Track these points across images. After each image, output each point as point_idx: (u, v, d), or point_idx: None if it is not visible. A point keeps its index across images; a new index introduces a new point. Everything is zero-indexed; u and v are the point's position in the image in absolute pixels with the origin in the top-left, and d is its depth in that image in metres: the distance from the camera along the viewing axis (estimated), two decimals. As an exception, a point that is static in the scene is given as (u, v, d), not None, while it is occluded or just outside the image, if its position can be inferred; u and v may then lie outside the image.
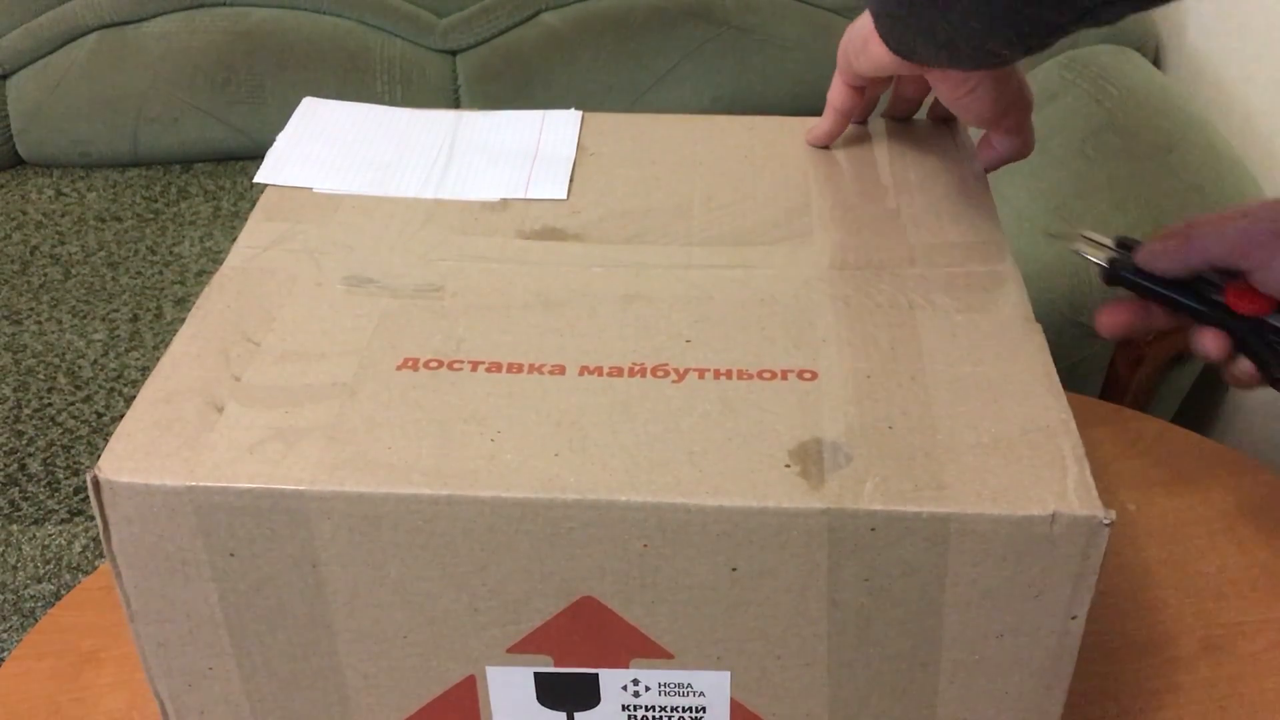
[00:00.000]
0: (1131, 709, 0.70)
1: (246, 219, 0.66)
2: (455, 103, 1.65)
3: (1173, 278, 0.62)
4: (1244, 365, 0.61)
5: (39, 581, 1.13)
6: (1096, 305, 0.65)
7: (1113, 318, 0.64)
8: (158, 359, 0.56)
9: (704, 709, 0.55)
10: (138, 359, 1.37)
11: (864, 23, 0.65)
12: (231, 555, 0.51)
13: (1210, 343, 0.61)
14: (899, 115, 0.74)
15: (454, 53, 1.66)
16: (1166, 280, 0.62)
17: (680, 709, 0.55)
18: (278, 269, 0.62)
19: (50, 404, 1.31)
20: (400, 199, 0.67)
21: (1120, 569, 0.77)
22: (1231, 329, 0.60)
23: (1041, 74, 1.31)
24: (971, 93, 0.63)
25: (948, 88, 0.64)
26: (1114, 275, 0.64)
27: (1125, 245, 0.64)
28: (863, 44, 0.65)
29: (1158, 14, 1.37)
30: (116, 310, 1.44)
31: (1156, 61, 1.35)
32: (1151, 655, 0.72)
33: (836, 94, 0.70)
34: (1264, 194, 1.15)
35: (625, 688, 0.55)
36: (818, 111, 0.72)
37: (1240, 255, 0.59)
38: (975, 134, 0.70)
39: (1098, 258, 0.65)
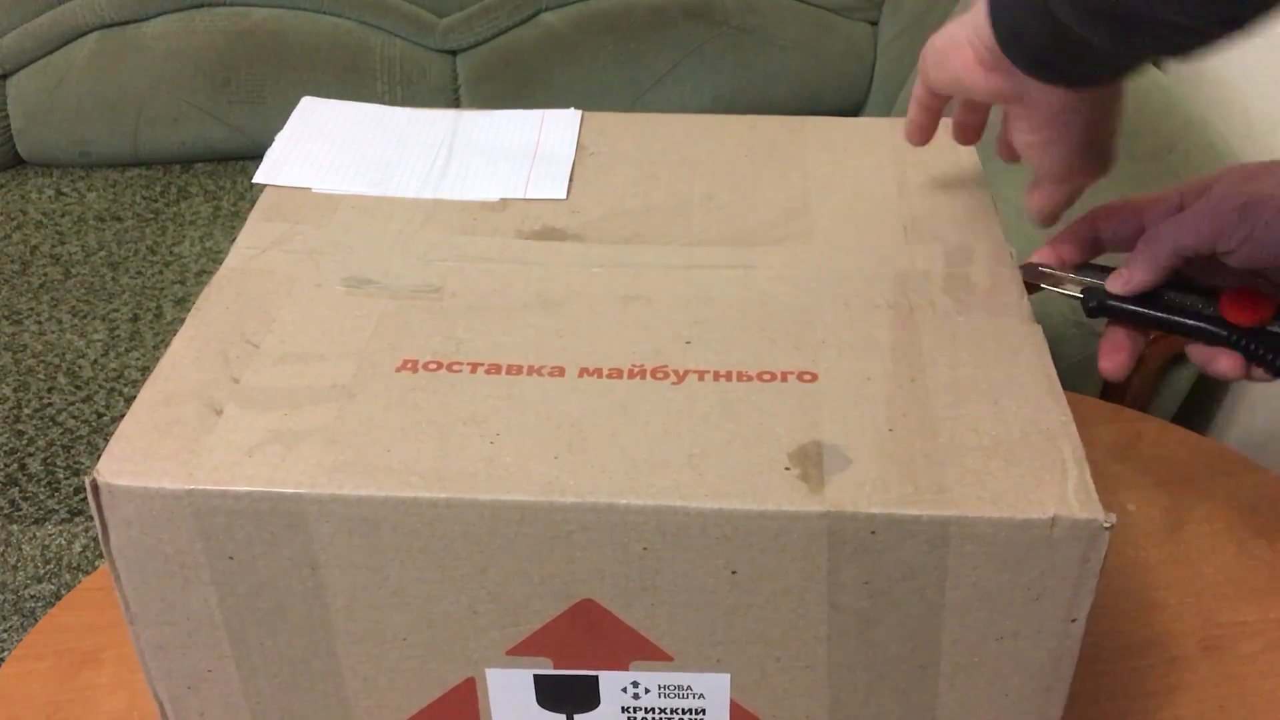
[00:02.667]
0: (1131, 709, 0.70)
1: (246, 219, 0.66)
2: (455, 103, 1.65)
3: (1153, 289, 0.59)
4: (1257, 372, 0.59)
5: (39, 581, 1.13)
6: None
7: (1114, 359, 0.61)
8: (158, 359, 0.56)
9: (704, 711, 0.55)
10: (138, 359, 1.37)
11: (948, 33, 0.60)
12: (230, 558, 0.51)
13: (1226, 365, 0.58)
14: (962, 141, 0.70)
15: (454, 53, 1.66)
16: (1155, 303, 0.59)
17: (680, 711, 0.55)
18: (277, 270, 0.61)
19: (50, 404, 1.31)
20: (399, 199, 0.67)
21: (1120, 569, 0.77)
22: (1234, 341, 0.57)
23: (1042, 73, 1.30)
24: (1050, 141, 0.58)
25: (1027, 125, 0.58)
26: (1097, 308, 0.60)
27: (1083, 269, 0.62)
28: (942, 55, 0.59)
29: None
30: (116, 310, 1.44)
31: (1156, 61, 1.35)
32: (1151, 655, 0.72)
33: (919, 94, 0.65)
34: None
35: (625, 690, 0.55)
36: (818, 111, 0.72)
37: (1211, 240, 0.56)
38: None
39: (1072, 290, 0.61)
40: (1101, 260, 0.62)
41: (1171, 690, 0.70)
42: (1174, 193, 0.60)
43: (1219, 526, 0.80)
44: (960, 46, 0.58)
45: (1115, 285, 0.60)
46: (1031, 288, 0.61)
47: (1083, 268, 0.62)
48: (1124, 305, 0.60)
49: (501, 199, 0.67)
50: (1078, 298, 0.61)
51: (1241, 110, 1.23)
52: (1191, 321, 0.59)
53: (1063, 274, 0.62)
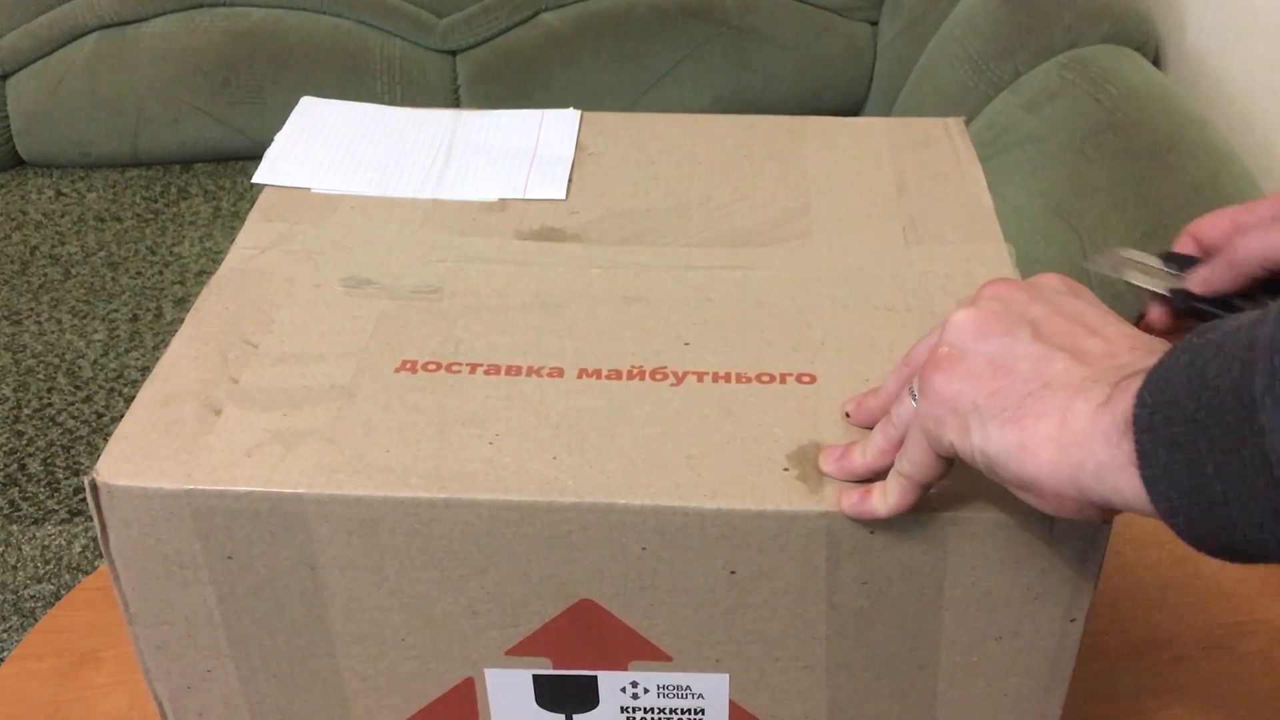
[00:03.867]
0: (1131, 709, 0.70)
1: (246, 219, 0.66)
2: (455, 103, 1.65)
3: (1235, 291, 0.57)
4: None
5: (39, 581, 1.13)
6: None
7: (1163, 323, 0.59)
8: (157, 359, 0.56)
9: (702, 711, 0.55)
10: (138, 359, 1.37)
11: (1042, 438, 0.42)
12: (230, 558, 0.51)
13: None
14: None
15: (454, 53, 1.66)
16: (1234, 304, 0.57)
17: (679, 711, 0.55)
18: (276, 270, 0.62)
19: (50, 404, 1.31)
20: (398, 199, 0.67)
21: (1120, 569, 0.77)
22: None
23: (1041, 74, 1.31)
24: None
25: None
26: (1183, 307, 0.58)
27: (1171, 259, 0.59)
28: (1020, 455, 0.42)
29: (1158, 14, 1.37)
30: (116, 310, 1.44)
31: (1156, 61, 1.35)
32: (1151, 655, 0.72)
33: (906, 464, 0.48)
34: (1264, 194, 1.14)
35: (624, 690, 0.55)
36: (818, 111, 0.71)
37: None
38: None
39: (1156, 287, 0.59)
40: (1171, 250, 0.60)
41: (1171, 690, 0.70)
42: (1270, 200, 0.58)
43: (1218, 526, 0.80)
44: (1060, 482, 0.41)
45: (1195, 284, 0.58)
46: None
47: (1167, 258, 0.60)
48: (1206, 306, 0.58)
49: (500, 199, 0.67)
50: (1164, 296, 0.59)
51: (1242, 110, 1.23)
52: None
53: (1152, 265, 0.60)
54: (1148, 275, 0.60)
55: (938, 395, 0.44)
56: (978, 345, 0.44)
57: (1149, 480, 0.38)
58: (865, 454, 0.49)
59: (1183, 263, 0.59)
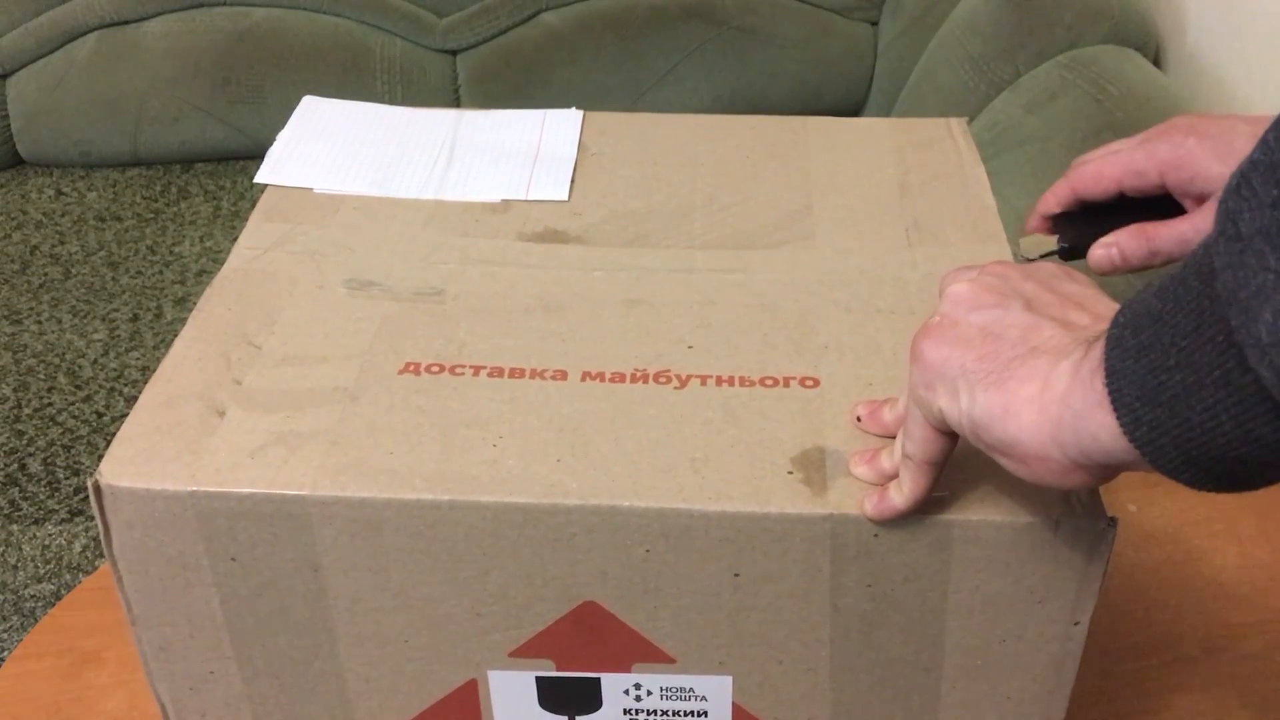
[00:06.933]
0: (1131, 709, 0.70)
1: (247, 219, 0.66)
2: (455, 103, 1.65)
3: (1103, 198, 0.59)
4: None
5: (39, 581, 1.13)
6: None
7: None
8: (158, 359, 0.56)
9: (705, 713, 0.55)
10: (138, 359, 1.37)
11: (1022, 398, 0.41)
12: (233, 559, 0.51)
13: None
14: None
15: (454, 53, 1.66)
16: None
17: (682, 713, 0.55)
18: (278, 271, 0.61)
19: (50, 404, 1.31)
20: (401, 200, 0.67)
21: (1121, 570, 0.77)
22: None
23: (1042, 74, 1.31)
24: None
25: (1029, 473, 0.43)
26: (1070, 251, 0.60)
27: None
28: (1001, 418, 0.42)
29: (1158, 14, 1.37)
30: (116, 310, 1.44)
31: (1156, 61, 1.35)
32: (1151, 655, 0.72)
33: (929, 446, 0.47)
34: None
35: (627, 692, 0.55)
36: (818, 111, 0.71)
37: (1173, 167, 0.56)
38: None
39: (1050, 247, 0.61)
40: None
41: (1173, 691, 0.70)
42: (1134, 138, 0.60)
43: (1220, 528, 0.80)
44: (1041, 442, 0.41)
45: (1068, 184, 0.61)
46: None
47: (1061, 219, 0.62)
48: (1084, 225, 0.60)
49: (503, 200, 0.67)
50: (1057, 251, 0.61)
51: (1242, 110, 1.23)
52: None
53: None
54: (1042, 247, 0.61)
55: (926, 362, 0.44)
56: (970, 316, 0.45)
57: (1115, 396, 0.37)
58: (893, 454, 0.49)
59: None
